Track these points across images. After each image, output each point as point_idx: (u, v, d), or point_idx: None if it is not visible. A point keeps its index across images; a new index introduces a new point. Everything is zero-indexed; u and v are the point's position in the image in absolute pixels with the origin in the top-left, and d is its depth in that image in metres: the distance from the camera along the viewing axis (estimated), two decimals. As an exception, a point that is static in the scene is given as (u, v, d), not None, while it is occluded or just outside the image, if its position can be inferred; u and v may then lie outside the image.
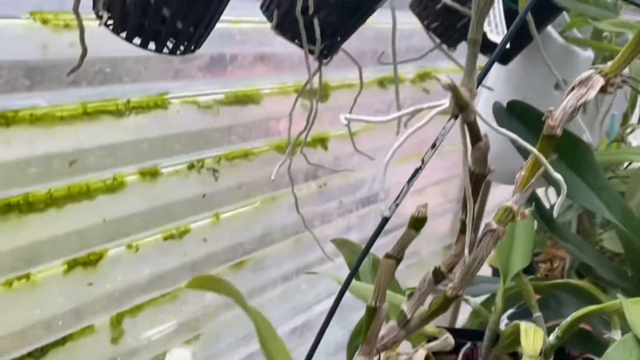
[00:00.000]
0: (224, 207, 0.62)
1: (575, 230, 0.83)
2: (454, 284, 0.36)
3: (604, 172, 0.84)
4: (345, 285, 0.47)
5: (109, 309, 0.53)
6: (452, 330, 0.73)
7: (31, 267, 0.47)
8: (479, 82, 0.30)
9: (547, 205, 0.83)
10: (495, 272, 0.93)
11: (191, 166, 0.57)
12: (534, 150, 0.33)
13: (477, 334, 0.70)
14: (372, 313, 0.34)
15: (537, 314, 0.64)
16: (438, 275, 0.38)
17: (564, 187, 0.34)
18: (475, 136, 0.32)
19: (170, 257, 0.57)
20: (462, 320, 1.14)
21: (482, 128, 0.31)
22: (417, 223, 0.33)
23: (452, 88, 0.26)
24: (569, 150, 0.55)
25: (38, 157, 0.43)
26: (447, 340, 0.42)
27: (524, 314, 0.68)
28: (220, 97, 0.56)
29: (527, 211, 0.35)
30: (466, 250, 0.36)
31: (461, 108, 0.28)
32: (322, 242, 0.77)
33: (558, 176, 0.33)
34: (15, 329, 0.47)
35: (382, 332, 0.40)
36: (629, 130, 0.85)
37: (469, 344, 0.68)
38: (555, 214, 0.35)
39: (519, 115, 0.56)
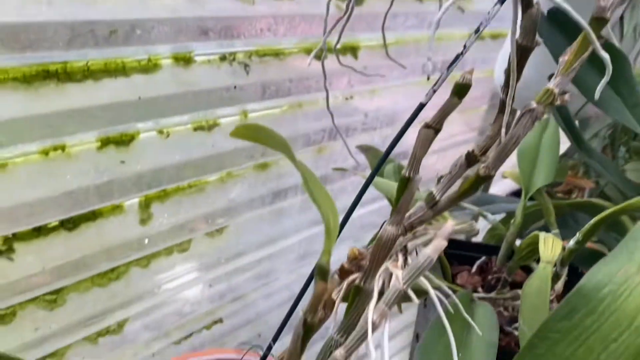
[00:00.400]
0: (251, 105, 0.62)
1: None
2: (488, 162, 0.36)
3: None
4: (370, 179, 0.47)
5: (139, 190, 0.55)
6: (469, 245, 0.75)
7: (66, 137, 0.48)
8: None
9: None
10: (514, 195, 0.94)
11: (223, 58, 0.57)
12: (585, 25, 0.32)
13: (492, 248, 0.71)
14: (405, 183, 0.35)
15: (555, 231, 0.64)
16: (471, 158, 0.38)
17: (610, 67, 0.33)
18: (527, 3, 0.31)
19: (199, 147, 0.58)
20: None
21: None
22: (461, 90, 0.33)
23: None
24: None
25: (80, 23, 0.43)
26: (473, 225, 0.43)
27: (542, 231, 0.68)
28: (257, -12, 0.56)
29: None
30: (503, 130, 0.36)
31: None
32: (345, 154, 0.78)
33: (605, 55, 0.33)
34: (48, 196, 0.48)
35: (411, 211, 0.41)
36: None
37: (483, 258, 0.70)
38: (596, 95, 0.34)
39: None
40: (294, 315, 0.60)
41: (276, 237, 0.76)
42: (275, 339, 0.47)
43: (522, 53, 0.33)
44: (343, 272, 0.39)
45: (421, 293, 0.63)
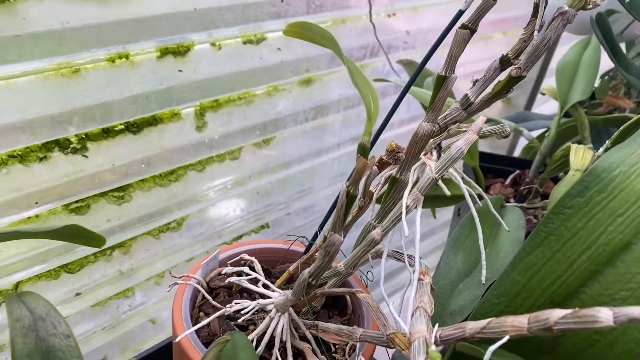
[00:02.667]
0: (297, 18, 0.65)
1: None
2: (520, 64, 0.39)
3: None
4: (408, 86, 0.50)
5: (194, 99, 0.60)
6: (504, 158, 0.78)
7: (130, 46, 0.52)
8: None
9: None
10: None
11: (271, -28, 0.60)
12: None
13: (527, 162, 0.74)
14: (440, 81, 0.38)
15: (589, 145, 0.66)
16: (505, 61, 0.41)
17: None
18: None
19: (248, 59, 0.62)
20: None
21: None
22: (496, -10, 0.35)
23: None
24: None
25: None
26: (504, 126, 0.46)
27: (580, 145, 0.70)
28: None
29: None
30: (535, 32, 0.38)
31: None
32: (387, 71, 0.80)
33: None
34: (114, 99, 0.53)
35: (446, 112, 0.44)
36: None
37: (517, 171, 0.73)
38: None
39: None
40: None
41: (319, 152, 0.80)
42: (321, 227, 0.52)
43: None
44: (381, 164, 0.44)
45: (455, 199, 0.67)
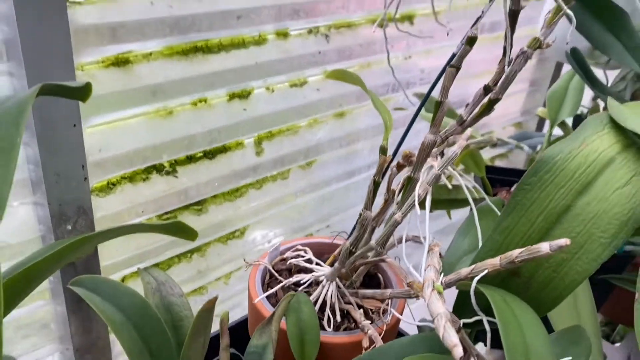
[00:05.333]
0: (331, 65, 0.82)
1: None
2: (496, 90, 0.54)
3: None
4: (418, 110, 0.66)
5: (254, 131, 0.76)
6: (509, 170, 0.92)
7: (208, 92, 0.69)
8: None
9: (606, 81, 0.96)
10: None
11: (310, 31, 0.77)
12: (554, -7, 0.49)
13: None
14: (438, 105, 0.53)
15: (577, 155, 0.80)
16: (487, 88, 0.56)
17: (574, 19, 0.50)
18: (512, -18, 0.48)
19: (294, 99, 0.79)
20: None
21: None
22: (471, 41, 0.50)
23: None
24: (608, 15, 0.68)
25: (219, 12, 0.64)
26: (491, 137, 0.60)
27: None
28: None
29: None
30: (506, 67, 0.53)
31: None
32: (406, 103, 0.96)
33: (569, 12, 0.49)
34: (197, 132, 0.70)
35: (446, 128, 0.59)
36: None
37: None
38: (568, 39, 0.51)
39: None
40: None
41: (352, 173, 0.96)
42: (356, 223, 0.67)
43: (513, 14, 0.50)
44: (399, 166, 0.59)
45: (466, 202, 0.82)
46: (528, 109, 1.24)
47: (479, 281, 0.41)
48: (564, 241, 0.38)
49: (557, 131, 1.02)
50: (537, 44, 0.52)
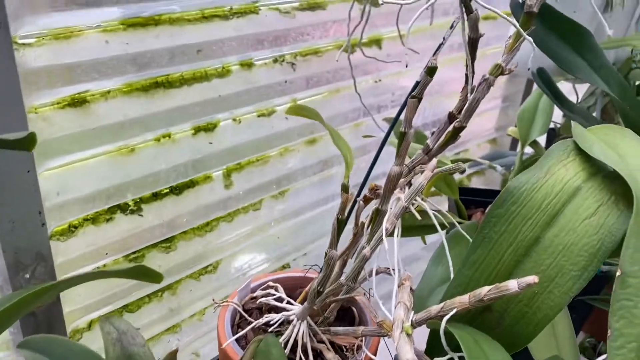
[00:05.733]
0: (299, 94, 0.80)
1: (599, 116, 0.95)
2: (460, 118, 0.53)
3: (629, 64, 0.95)
4: (385, 138, 0.65)
5: (222, 164, 0.75)
6: (484, 191, 0.91)
7: (172, 127, 0.68)
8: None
9: (575, 97, 0.96)
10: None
11: (275, 60, 0.76)
12: (515, 22, 0.48)
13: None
14: (402, 136, 0.52)
15: (550, 174, 0.79)
16: (451, 116, 0.55)
17: (532, 42, 0.49)
18: (469, 10, 0.48)
19: (262, 128, 0.77)
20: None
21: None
22: (430, 71, 0.50)
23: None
24: (572, 36, 0.68)
25: (179, 46, 0.63)
26: (459, 165, 0.59)
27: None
28: (296, 5, 0.74)
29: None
30: (469, 95, 0.53)
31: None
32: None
33: (528, 38, 0.49)
34: (161, 169, 0.68)
35: (413, 157, 0.58)
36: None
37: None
38: (529, 65, 0.50)
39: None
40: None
41: (327, 199, 0.94)
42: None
43: (472, 43, 0.50)
44: (366, 199, 0.57)
45: (436, 228, 0.80)
46: (502, 125, 1.24)
47: (450, 318, 0.40)
48: (531, 279, 0.37)
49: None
50: (498, 71, 0.52)
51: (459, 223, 0.77)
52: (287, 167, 0.84)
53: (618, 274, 0.37)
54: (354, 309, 0.63)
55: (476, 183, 1.19)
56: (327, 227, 0.96)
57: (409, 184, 0.60)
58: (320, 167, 0.91)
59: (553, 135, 1.05)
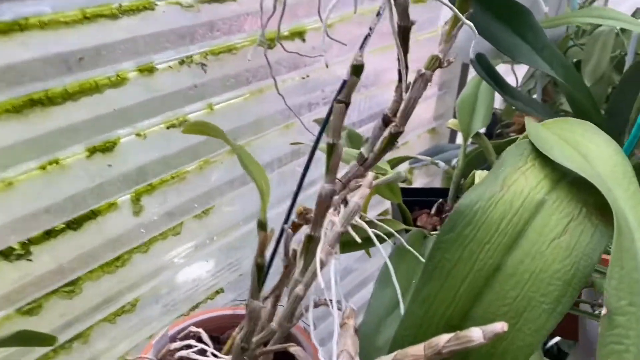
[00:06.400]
0: (215, 98, 0.70)
1: (540, 98, 0.90)
2: (396, 122, 0.45)
3: (565, 42, 0.91)
4: (315, 146, 0.56)
5: (128, 187, 0.64)
6: (427, 190, 0.84)
7: (59, 152, 0.56)
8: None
9: (514, 78, 0.91)
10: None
11: (182, 62, 0.65)
12: (452, 6, 0.40)
13: (447, 191, 0.80)
14: (331, 148, 0.43)
15: (496, 167, 0.73)
16: (386, 120, 0.47)
17: (474, 28, 0.41)
18: (396, -6, 0.39)
19: (174, 142, 0.67)
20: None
21: None
22: (356, 70, 0.41)
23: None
24: (510, 15, 0.61)
25: (56, 55, 0.52)
26: (400, 174, 0.51)
27: (485, 170, 0.77)
28: (200, -4, 0.63)
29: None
30: (404, 94, 0.45)
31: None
32: (312, 128, 0.86)
33: (468, 22, 0.41)
34: (52, 203, 0.57)
35: (347, 169, 0.50)
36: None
37: (440, 200, 0.79)
38: (470, 54, 0.43)
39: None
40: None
41: (259, 211, 0.85)
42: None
43: (403, 32, 0.42)
44: (294, 226, 0.49)
45: (381, 239, 0.72)
46: (440, 113, 1.17)
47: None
48: (499, 326, 0.30)
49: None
50: (436, 64, 0.44)
51: (405, 230, 0.69)
52: (210, 182, 0.74)
53: (603, 312, 0.30)
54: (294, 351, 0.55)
55: (419, 177, 1.13)
56: (262, 243, 0.87)
57: (345, 201, 0.51)
58: (249, 178, 0.81)
59: (494, 121, 0.99)
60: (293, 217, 0.48)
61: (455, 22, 0.43)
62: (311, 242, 0.46)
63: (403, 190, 0.74)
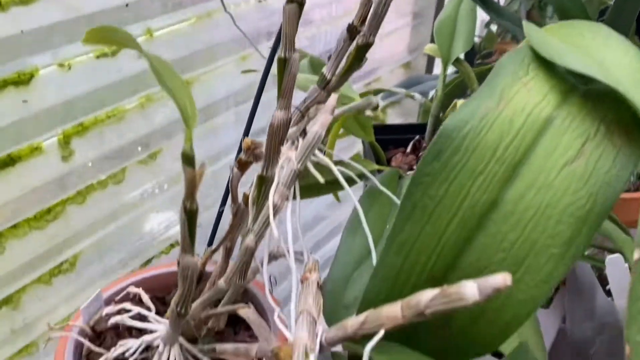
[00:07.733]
0: (154, 22, 0.60)
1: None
2: (364, 31, 0.36)
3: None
4: (265, 73, 0.47)
5: (53, 126, 0.54)
6: (402, 127, 0.76)
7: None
8: None
9: None
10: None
11: (110, -24, 0.54)
12: None
13: (425, 126, 0.72)
14: (283, 64, 0.35)
15: (479, 97, 0.65)
16: (352, 30, 0.38)
17: None
18: None
19: (105, 74, 0.57)
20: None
21: None
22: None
23: None
24: None
25: None
26: (370, 99, 0.43)
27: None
28: None
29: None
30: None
31: None
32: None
33: None
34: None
35: (306, 95, 0.41)
36: None
37: (417, 137, 0.71)
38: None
39: None
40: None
41: (217, 156, 0.76)
42: (210, 241, 0.49)
43: None
44: (241, 164, 0.40)
45: (351, 180, 0.64)
46: (415, 46, 1.08)
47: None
48: (501, 278, 0.23)
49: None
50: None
51: (378, 171, 0.61)
52: (154, 122, 0.64)
53: (636, 256, 0.23)
54: (252, 305, 0.47)
55: (392, 116, 1.04)
56: (221, 191, 0.78)
57: (304, 133, 0.43)
58: (202, 116, 0.72)
59: (472, 52, 0.91)
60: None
61: None
62: (263, 183, 0.38)
63: (376, 127, 0.66)
